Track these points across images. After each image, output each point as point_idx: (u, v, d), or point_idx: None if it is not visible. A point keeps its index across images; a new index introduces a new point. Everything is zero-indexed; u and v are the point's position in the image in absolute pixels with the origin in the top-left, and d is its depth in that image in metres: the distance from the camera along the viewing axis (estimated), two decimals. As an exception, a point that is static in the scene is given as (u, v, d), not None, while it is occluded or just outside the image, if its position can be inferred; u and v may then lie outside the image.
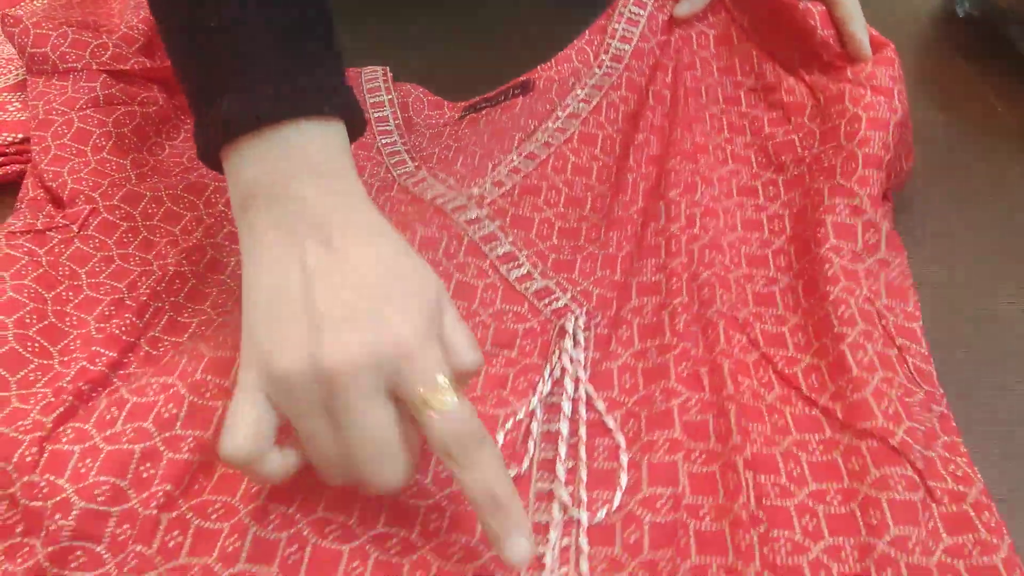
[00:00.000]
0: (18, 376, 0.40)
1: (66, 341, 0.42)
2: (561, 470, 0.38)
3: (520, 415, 0.41)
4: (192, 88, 0.37)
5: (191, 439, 0.36)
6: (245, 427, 0.31)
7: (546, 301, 0.46)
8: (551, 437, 0.40)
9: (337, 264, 0.33)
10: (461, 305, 0.45)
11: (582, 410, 0.40)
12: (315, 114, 0.35)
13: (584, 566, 0.35)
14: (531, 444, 0.39)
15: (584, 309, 0.45)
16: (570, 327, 0.44)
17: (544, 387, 0.42)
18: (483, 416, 0.40)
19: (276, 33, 0.35)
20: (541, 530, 0.36)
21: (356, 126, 0.38)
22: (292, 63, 0.36)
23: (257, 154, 0.34)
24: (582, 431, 0.40)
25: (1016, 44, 0.64)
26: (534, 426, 0.40)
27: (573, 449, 0.39)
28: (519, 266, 0.47)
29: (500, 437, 0.39)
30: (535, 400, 0.41)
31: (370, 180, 0.54)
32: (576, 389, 0.41)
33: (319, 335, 0.31)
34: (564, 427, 0.40)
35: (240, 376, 0.32)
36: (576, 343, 0.43)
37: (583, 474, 0.38)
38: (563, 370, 0.42)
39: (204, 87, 0.36)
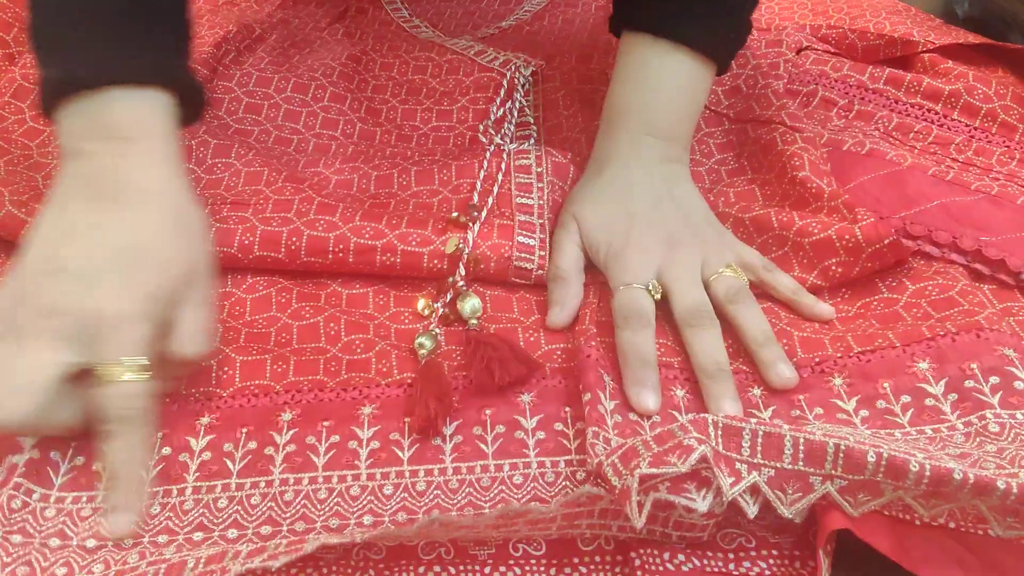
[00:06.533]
0: None
1: None
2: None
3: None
4: (36, 47, 0.41)
5: None
6: None
7: (501, 60, 0.66)
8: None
9: (99, 224, 0.38)
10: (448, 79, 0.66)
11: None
12: (130, 82, 0.39)
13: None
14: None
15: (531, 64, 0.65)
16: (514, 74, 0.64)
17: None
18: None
19: (117, 8, 0.39)
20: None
21: (190, 101, 0.43)
22: (120, 36, 0.39)
23: (74, 114, 0.39)
24: None
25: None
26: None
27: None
28: (495, 58, 0.67)
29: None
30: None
31: (374, 24, 0.75)
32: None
33: (52, 282, 0.36)
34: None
35: None
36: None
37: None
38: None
39: (45, 48, 0.40)
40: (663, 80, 0.50)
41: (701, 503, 0.32)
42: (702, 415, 0.34)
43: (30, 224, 0.47)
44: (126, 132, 0.39)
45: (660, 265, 0.45)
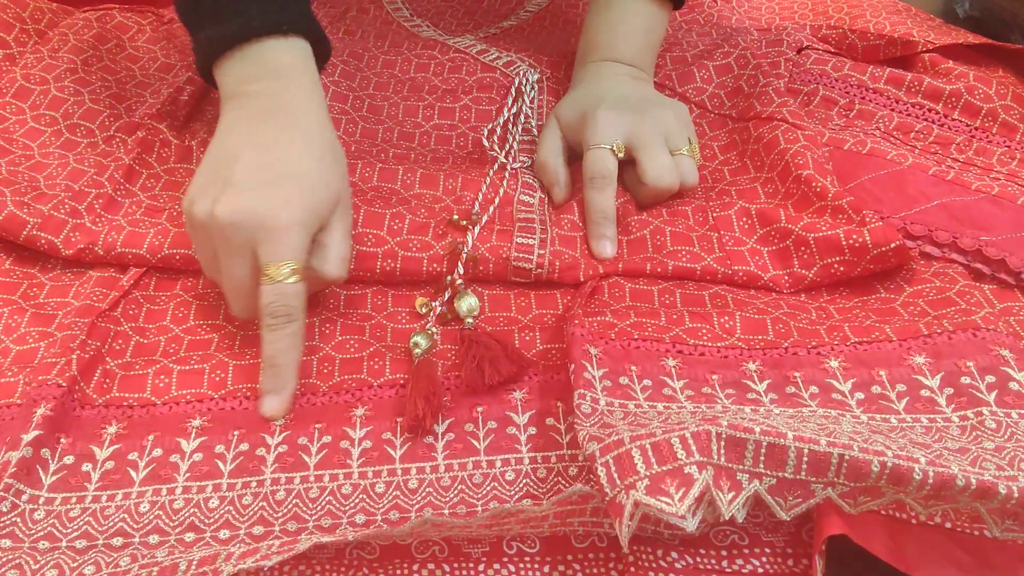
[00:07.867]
0: None
1: None
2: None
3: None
4: (187, 21, 0.47)
5: None
6: None
7: (504, 60, 0.68)
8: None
9: (265, 146, 0.42)
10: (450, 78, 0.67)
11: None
12: (274, 34, 0.45)
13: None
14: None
15: (537, 69, 0.67)
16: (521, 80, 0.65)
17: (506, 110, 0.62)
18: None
19: None
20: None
21: (320, 46, 0.48)
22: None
23: (233, 65, 0.45)
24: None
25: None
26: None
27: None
28: (497, 58, 0.69)
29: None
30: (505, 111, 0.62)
31: (375, 24, 0.76)
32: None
33: (222, 193, 0.40)
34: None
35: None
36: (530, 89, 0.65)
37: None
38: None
39: (194, 17, 0.46)
40: (625, 20, 0.59)
41: (691, 521, 0.32)
42: (705, 427, 0.33)
43: (31, 224, 0.48)
44: (284, 73, 0.45)
45: (628, 130, 0.51)
